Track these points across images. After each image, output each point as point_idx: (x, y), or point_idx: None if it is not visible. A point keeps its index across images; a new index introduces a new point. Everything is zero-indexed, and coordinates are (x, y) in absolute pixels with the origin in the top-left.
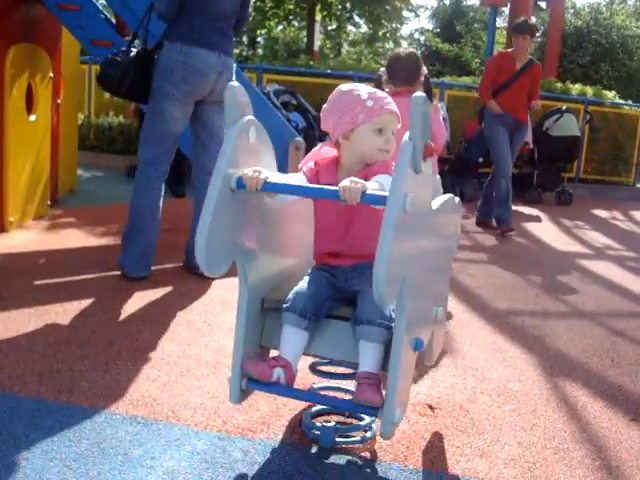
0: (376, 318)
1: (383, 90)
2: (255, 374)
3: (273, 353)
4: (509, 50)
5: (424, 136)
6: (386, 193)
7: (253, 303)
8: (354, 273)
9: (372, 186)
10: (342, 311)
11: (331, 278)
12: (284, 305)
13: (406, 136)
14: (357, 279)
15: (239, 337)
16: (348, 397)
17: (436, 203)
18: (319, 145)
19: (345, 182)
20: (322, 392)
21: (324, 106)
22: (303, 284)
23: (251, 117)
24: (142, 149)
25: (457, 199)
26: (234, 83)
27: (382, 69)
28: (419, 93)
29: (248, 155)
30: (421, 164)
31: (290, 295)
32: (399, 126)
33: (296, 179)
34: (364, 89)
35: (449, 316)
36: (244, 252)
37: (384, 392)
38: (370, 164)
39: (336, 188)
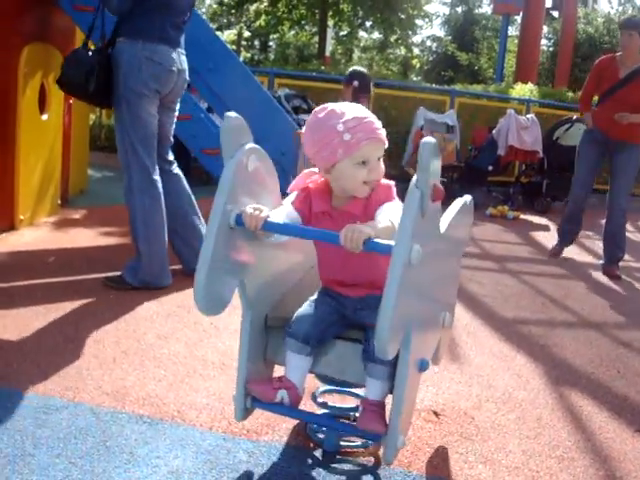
0: (381, 357)
1: (359, 96)
2: (259, 395)
3: (278, 370)
4: (617, 53)
5: (432, 180)
6: (391, 242)
7: (256, 322)
8: (363, 304)
9: (378, 225)
10: (348, 333)
11: (339, 306)
12: (287, 329)
13: (413, 182)
14: (366, 311)
15: (242, 356)
16: (352, 403)
17: (447, 218)
18: (306, 171)
19: (347, 229)
20: (325, 397)
21: (304, 129)
22: (307, 307)
23: (251, 145)
24: (135, 160)
25: (469, 199)
26: (231, 113)
27: (356, 82)
28: (429, 138)
29: (248, 185)
30: (429, 208)
31: (293, 318)
32: (385, 145)
33: (284, 212)
34: (341, 115)
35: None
36: (244, 282)
37: (388, 417)
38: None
39: (337, 234)
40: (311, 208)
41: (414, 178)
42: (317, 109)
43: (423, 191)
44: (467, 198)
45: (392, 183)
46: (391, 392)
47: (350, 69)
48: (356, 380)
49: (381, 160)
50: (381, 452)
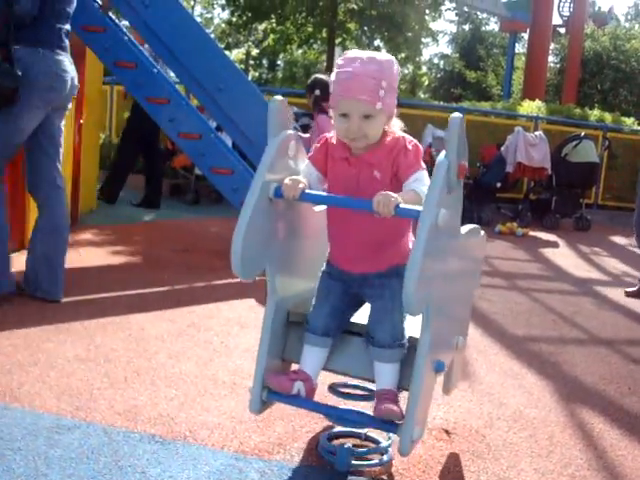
0: (387, 340)
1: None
2: (276, 387)
3: (293, 366)
4: None
5: (459, 156)
6: (419, 207)
7: (279, 315)
8: (366, 282)
9: (405, 197)
10: (359, 327)
11: (344, 286)
12: (306, 325)
13: (442, 154)
14: (370, 289)
15: (263, 348)
16: (367, 402)
17: (464, 229)
18: None
19: (379, 195)
20: (342, 390)
21: None
22: (319, 299)
23: (292, 131)
24: None
25: (483, 233)
26: (279, 97)
27: (317, 91)
28: (457, 114)
29: (286, 167)
30: (454, 183)
31: (309, 314)
32: (377, 106)
33: (303, 172)
34: (339, 65)
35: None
36: (274, 262)
37: (404, 409)
38: (384, 139)
39: (370, 200)
40: (328, 155)
41: (442, 153)
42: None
43: (451, 163)
44: (481, 231)
45: (419, 145)
46: (406, 386)
47: (312, 77)
48: (368, 375)
49: (375, 117)
50: (394, 470)
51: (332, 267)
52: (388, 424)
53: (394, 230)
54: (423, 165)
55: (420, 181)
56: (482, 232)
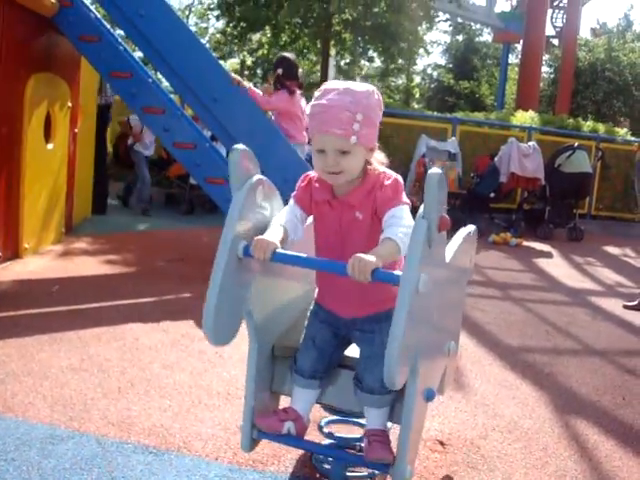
0: (376, 387)
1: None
2: (266, 429)
3: (283, 400)
4: None
5: (438, 211)
6: (398, 272)
7: (263, 352)
8: (355, 326)
9: (382, 252)
10: (349, 360)
11: (332, 328)
12: (293, 366)
13: (420, 213)
14: (359, 333)
15: (249, 387)
16: (357, 433)
17: (452, 248)
18: None
19: (354, 260)
20: (331, 427)
21: None
22: (306, 340)
23: (258, 176)
24: None
25: (473, 229)
26: (239, 145)
27: (280, 70)
28: (436, 170)
29: (256, 216)
30: (436, 238)
31: (297, 355)
32: (352, 140)
33: (286, 210)
34: (315, 97)
35: None
36: (252, 310)
37: (395, 446)
38: (365, 178)
39: (344, 264)
40: (312, 196)
41: (421, 209)
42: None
43: (430, 222)
44: (471, 228)
45: (399, 178)
46: (396, 422)
47: (278, 55)
48: (360, 409)
49: (352, 152)
50: None
51: (320, 307)
52: (380, 466)
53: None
54: (404, 199)
55: (398, 218)
56: (471, 231)
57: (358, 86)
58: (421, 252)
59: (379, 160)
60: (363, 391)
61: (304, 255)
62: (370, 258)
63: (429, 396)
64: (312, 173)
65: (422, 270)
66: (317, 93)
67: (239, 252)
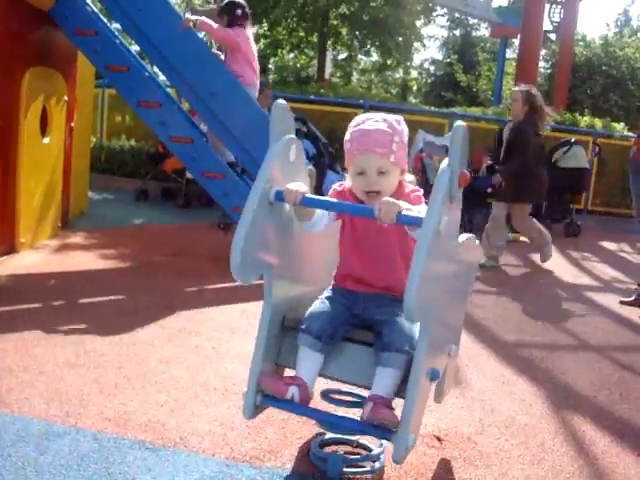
0: (404, 346)
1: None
2: (270, 390)
3: (287, 372)
4: None
5: (461, 164)
6: (422, 215)
7: (275, 320)
8: (372, 303)
9: (408, 207)
10: (357, 334)
11: (348, 303)
12: (300, 326)
13: (444, 162)
14: (377, 309)
15: (258, 352)
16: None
17: (461, 238)
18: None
19: (382, 202)
20: (335, 396)
21: None
22: (319, 305)
23: (293, 136)
24: None
25: (478, 242)
26: (282, 101)
27: (239, 11)
28: (460, 122)
29: (287, 171)
30: (456, 191)
31: (306, 315)
32: (391, 159)
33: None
34: (355, 124)
35: None
36: (272, 268)
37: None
38: (399, 196)
39: (371, 207)
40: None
41: (445, 161)
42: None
43: (454, 170)
44: (476, 241)
45: (421, 190)
46: (401, 396)
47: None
48: (364, 382)
49: (390, 172)
50: (386, 477)
51: (337, 290)
52: (382, 431)
53: (406, 250)
54: (424, 204)
55: (421, 208)
56: (477, 241)
57: (389, 116)
58: (443, 197)
59: (408, 181)
60: (384, 350)
61: (332, 200)
62: (396, 201)
63: (434, 376)
64: (347, 183)
65: (443, 213)
66: (353, 122)
67: (271, 197)
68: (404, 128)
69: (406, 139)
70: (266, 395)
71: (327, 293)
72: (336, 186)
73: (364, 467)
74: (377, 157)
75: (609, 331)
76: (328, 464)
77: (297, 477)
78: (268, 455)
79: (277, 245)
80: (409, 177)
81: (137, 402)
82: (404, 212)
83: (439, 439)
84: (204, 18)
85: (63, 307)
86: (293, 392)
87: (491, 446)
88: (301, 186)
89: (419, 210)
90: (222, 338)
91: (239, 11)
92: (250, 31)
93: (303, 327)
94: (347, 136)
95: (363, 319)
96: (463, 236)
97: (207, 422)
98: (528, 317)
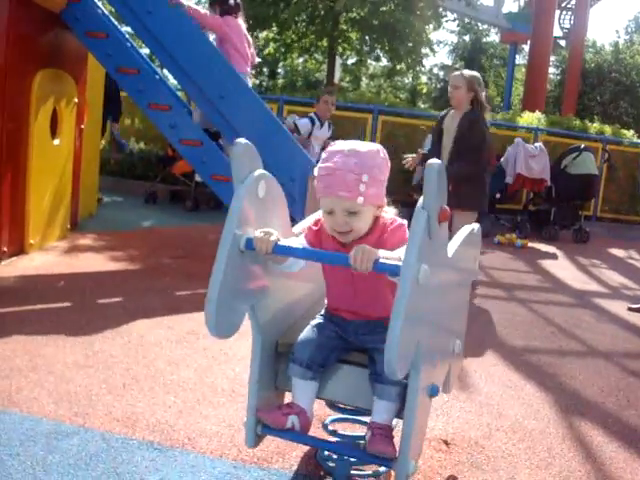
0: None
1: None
2: (269, 422)
3: (288, 395)
4: None
5: (439, 201)
6: (399, 262)
7: (267, 348)
8: (365, 329)
9: (386, 254)
10: (352, 356)
11: (339, 330)
12: (290, 355)
13: (420, 204)
14: (369, 336)
15: (253, 383)
16: (362, 432)
17: (454, 245)
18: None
19: (357, 250)
20: (336, 426)
21: None
22: (309, 332)
23: (261, 171)
24: None
25: (477, 227)
26: (241, 140)
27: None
28: (435, 160)
29: (258, 211)
30: (436, 229)
31: (296, 344)
32: (359, 201)
33: (297, 242)
34: (323, 159)
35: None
36: (255, 306)
37: (398, 443)
38: (377, 232)
39: (347, 255)
40: (322, 242)
41: (420, 200)
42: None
43: (430, 212)
44: (474, 226)
45: (405, 223)
46: (401, 417)
47: None
48: (363, 405)
49: (360, 212)
50: None
51: (327, 316)
52: (383, 460)
53: (387, 278)
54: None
55: (403, 251)
56: (474, 229)
57: (363, 146)
58: (420, 242)
59: (392, 213)
60: (381, 383)
61: (306, 247)
62: (372, 249)
63: (433, 392)
64: (323, 219)
65: (422, 261)
66: (323, 155)
67: (241, 245)
68: (378, 160)
69: (385, 172)
70: (266, 425)
71: (318, 319)
72: (312, 224)
73: (371, 470)
74: (342, 200)
75: (617, 337)
76: (335, 467)
77: (304, 479)
78: (275, 457)
79: (258, 283)
80: (389, 210)
81: (145, 403)
82: (381, 260)
83: (446, 443)
84: (190, 4)
85: (72, 308)
86: (293, 421)
87: (498, 450)
88: (271, 234)
89: (399, 253)
90: (230, 340)
91: (232, 1)
92: (242, 20)
93: (293, 357)
94: (315, 171)
95: (356, 345)
96: (460, 234)
97: (215, 423)
98: (536, 323)
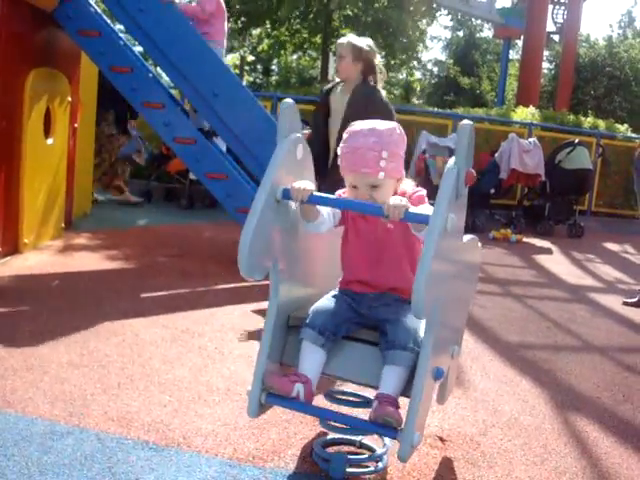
0: (409, 344)
1: None
2: (276, 388)
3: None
4: None
5: (468, 163)
6: (429, 212)
7: (280, 319)
8: (379, 302)
9: (415, 209)
10: (362, 333)
11: (353, 303)
12: (304, 321)
13: (451, 161)
14: (383, 309)
15: (263, 350)
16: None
17: (465, 238)
18: None
19: (391, 200)
20: (339, 396)
21: None
22: (324, 301)
23: (300, 134)
24: None
25: (479, 244)
26: (289, 100)
27: None
28: (467, 121)
29: (294, 170)
30: (462, 190)
31: (310, 311)
32: (380, 176)
33: (327, 209)
34: (346, 138)
35: None
36: (278, 267)
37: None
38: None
39: (380, 205)
40: (349, 213)
41: (451, 160)
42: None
43: (460, 170)
44: (478, 243)
45: (424, 192)
46: (407, 395)
47: None
48: (369, 381)
49: (382, 185)
50: (389, 478)
51: (343, 290)
52: (387, 429)
53: (411, 252)
54: (428, 203)
55: (427, 209)
56: (479, 243)
57: (381, 124)
58: (450, 195)
59: (410, 185)
60: (390, 348)
61: (339, 197)
62: (404, 200)
63: (438, 375)
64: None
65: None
66: (345, 135)
67: (278, 195)
68: (396, 137)
69: (402, 147)
70: (270, 394)
71: (333, 292)
72: (340, 192)
73: (367, 467)
74: (365, 176)
75: (612, 332)
76: (331, 464)
77: (300, 477)
78: (271, 455)
79: (284, 245)
80: (407, 182)
81: (140, 402)
82: (411, 209)
83: (442, 440)
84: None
85: (66, 307)
86: (299, 389)
87: (494, 447)
88: (308, 184)
89: (424, 209)
90: (225, 339)
91: None
92: None
93: (306, 322)
94: (338, 150)
95: (368, 319)
96: (466, 237)
97: (210, 422)
98: (531, 318)
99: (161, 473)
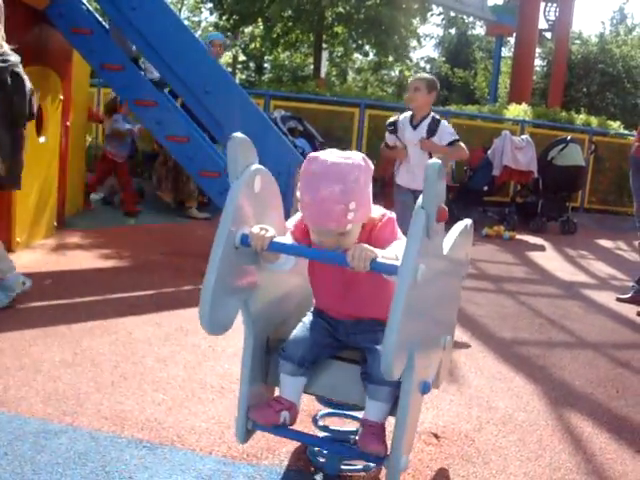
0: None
1: None
2: (262, 422)
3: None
4: None
5: (437, 202)
6: (396, 262)
7: (259, 344)
8: (356, 329)
9: (383, 253)
10: (344, 353)
11: (330, 329)
12: (281, 352)
13: (419, 203)
14: (361, 336)
15: (245, 379)
16: (352, 426)
17: (449, 241)
18: None
19: (355, 249)
20: (326, 420)
21: None
22: (301, 330)
23: (257, 165)
24: None
25: (469, 222)
26: (238, 134)
27: None
28: (434, 161)
29: (254, 206)
30: (434, 229)
31: (288, 341)
32: (347, 227)
33: (284, 240)
34: (304, 182)
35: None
36: (249, 301)
37: (390, 440)
38: (368, 228)
39: (344, 254)
40: (311, 240)
41: (419, 200)
42: (310, 157)
43: (429, 212)
44: (467, 222)
45: (393, 216)
46: (392, 414)
47: None
48: (353, 401)
49: (349, 232)
50: (383, 475)
51: (320, 314)
52: (375, 457)
53: (381, 284)
54: (399, 235)
55: (398, 245)
56: (467, 225)
57: (346, 164)
58: (420, 242)
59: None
60: (373, 383)
61: (302, 245)
62: (370, 248)
63: (425, 389)
64: None
65: (420, 261)
66: (303, 170)
67: (236, 241)
68: (362, 178)
69: (369, 183)
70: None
71: (310, 316)
72: (298, 221)
73: (361, 464)
74: (332, 230)
75: (606, 328)
76: (326, 462)
77: (294, 475)
78: (265, 453)
79: (251, 279)
80: (375, 209)
81: (134, 401)
82: (379, 259)
83: (437, 436)
84: None
85: (59, 306)
86: (285, 417)
87: (489, 443)
88: (268, 230)
89: (395, 250)
90: (218, 337)
91: None
92: None
93: (284, 354)
94: (298, 195)
95: (346, 344)
96: (455, 230)
97: (204, 420)
98: (525, 314)
99: (155, 471)
